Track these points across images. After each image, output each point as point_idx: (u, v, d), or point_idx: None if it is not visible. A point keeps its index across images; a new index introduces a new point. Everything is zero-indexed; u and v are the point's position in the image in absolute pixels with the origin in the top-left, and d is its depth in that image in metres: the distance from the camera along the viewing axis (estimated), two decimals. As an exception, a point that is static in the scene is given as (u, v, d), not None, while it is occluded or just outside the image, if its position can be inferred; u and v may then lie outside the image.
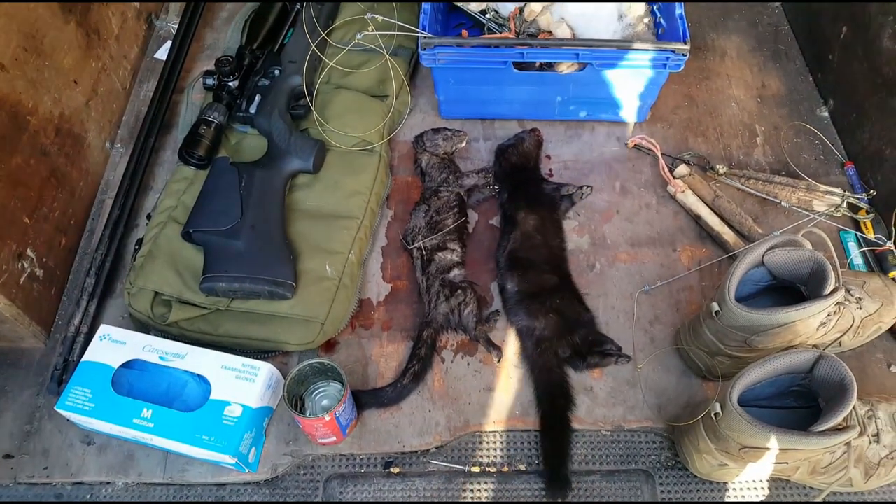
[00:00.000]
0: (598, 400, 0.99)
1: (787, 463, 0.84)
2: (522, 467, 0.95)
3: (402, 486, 0.93)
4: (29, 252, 1.03)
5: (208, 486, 0.94)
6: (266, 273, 0.99)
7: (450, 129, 1.20)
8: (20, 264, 1.00)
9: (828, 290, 0.86)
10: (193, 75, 1.31)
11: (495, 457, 0.96)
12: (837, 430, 0.79)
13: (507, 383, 1.01)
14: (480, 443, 0.97)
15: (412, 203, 1.17)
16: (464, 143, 1.20)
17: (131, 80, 1.35)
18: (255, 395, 0.91)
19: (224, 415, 0.89)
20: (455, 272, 1.07)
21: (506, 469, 0.95)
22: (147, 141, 1.19)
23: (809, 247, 0.89)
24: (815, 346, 0.94)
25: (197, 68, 1.35)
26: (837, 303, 0.91)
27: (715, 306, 0.89)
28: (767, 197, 1.17)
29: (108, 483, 0.94)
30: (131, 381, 0.94)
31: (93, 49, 1.21)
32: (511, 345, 1.05)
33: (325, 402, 0.95)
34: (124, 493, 0.94)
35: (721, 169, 1.18)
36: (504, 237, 1.11)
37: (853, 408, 0.80)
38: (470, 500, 0.92)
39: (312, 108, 1.16)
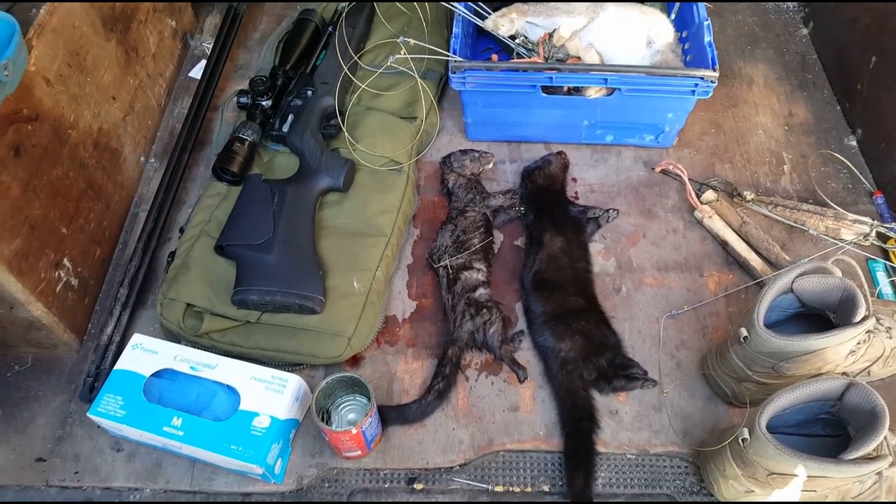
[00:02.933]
0: (624, 423, 0.99)
1: (815, 491, 0.83)
2: (546, 488, 0.94)
3: (426, 502, 0.93)
4: (66, 262, 1.05)
5: (234, 496, 0.94)
6: (296, 287, 1.01)
7: (477, 151, 1.22)
8: (57, 273, 1.03)
9: (858, 318, 0.85)
10: (227, 94, 1.35)
11: (519, 477, 0.95)
12: (868, 458, 0.78)
13: (531, 403, 1.01)
14: (504, 462, 0.97)
15: (438, 222, 1.18)
16: (490, 165, 1.22)
17: (166, 98, 1.38)
18: (283, 406, 0.92)
19: (252, 425, 0.90)
20: (480, 291, 1.08)
21: (529, 489, 0.94)
22: (181, 156, 1.22)
23: (839, 274, 0.89)
24: (844, 373, 0.94)
25: (230, 87, 1.38)
26: (867, 331, 0.90)
27: (743, 332, 0.89)
28: (795, 224, 1.17)
29: (137, 489, 0.96)
30: (162, 390, 0.95)
31: (131, 66, 1.25)
32: (535, 365, 1.05)
33: (351, 416, 0.96)
34: (152, 499, 0.95)
35: (748, 195, 1.18)
36: (529, 258, 1.12)
37: (884, 438, 0.79)
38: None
39: (343, 129, 1.19)
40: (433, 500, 0.94)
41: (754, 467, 0.82)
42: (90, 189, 1.12)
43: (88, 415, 0.93)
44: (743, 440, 0.81)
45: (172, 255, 1.11)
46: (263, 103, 1.21)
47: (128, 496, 0.95)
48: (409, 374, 1.05)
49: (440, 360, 1.03)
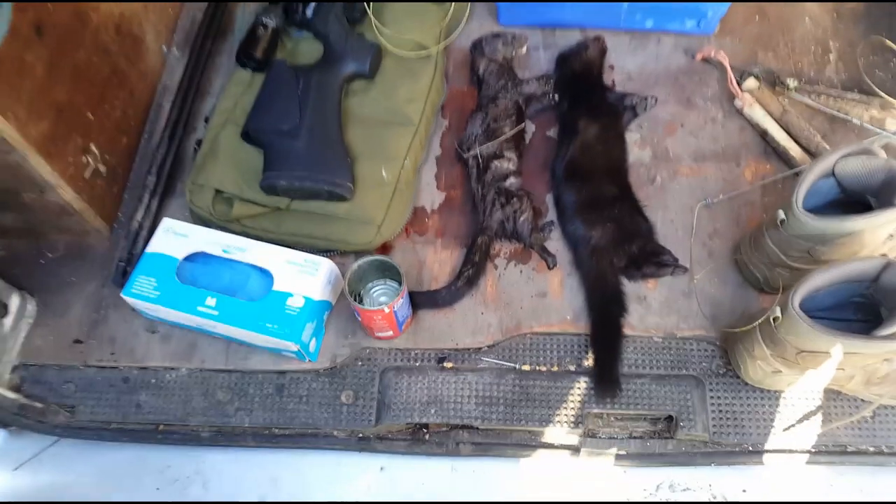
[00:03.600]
0: (652, 309, 0.99)
1: (843, 370, 0.83)
2: (572, 367, 0.96)
3: (455, 378, 0.95)
4: (93, 147, 1.04)
5: (269, 374, 0.97)
6: (326, 173, 1.00)
7: (510, 34, 1.17)
8: (85, 158, 1.03)
9: (901, 200, 0.83)
10: (250, -21, 1.30)
11: (546, 357, 0.97)
12: (901, 336, 0.77)
13: (559, 290, 1.02)
14: (531, 344, 0.98)
15: (467, 113, 1.15)
16: (524, 49, 1.17)
17: (187, -15, 1.34)
18: (317, 287, 0.93)
19: (287, 305, 0.91)
20: (511, 180, 1.06)
21: (556, 368, 0.96)
22: (203, 45, 1.19)
23: (884, 155, 0.86)
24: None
25: (253, -27, 1.33)
26: (909, 215, 0.88)
27: (781, 214, 0.87)
28: (838, 114, 1.12)
29: (173, 369, 0.98)
30: (195, 272, 0.96)
31: (150, -48, 1.21)
32: (564, 254, 1.04)
33: (382, 299, 0.97)
34: (188, 378, 0.98)
35: (791, 84, 1.14)
36: (562, 146, 1.09)
37: (918, 319, 0.78)
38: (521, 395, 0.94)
39: (369, 12, 1.15)
40: (462, 377, 0.96)
41: (784, 346, 0.82)
42: (114, 76, 1.10)
43: (122, 295, 0.95)
44: (774, 319, 0.81)
45: (199, 143, 1.11)
46: (286, -13, 1.17)
47: (164, 375, 0.98)
48: (439, 262, 1.05)
49: (469, 249, 1.03)
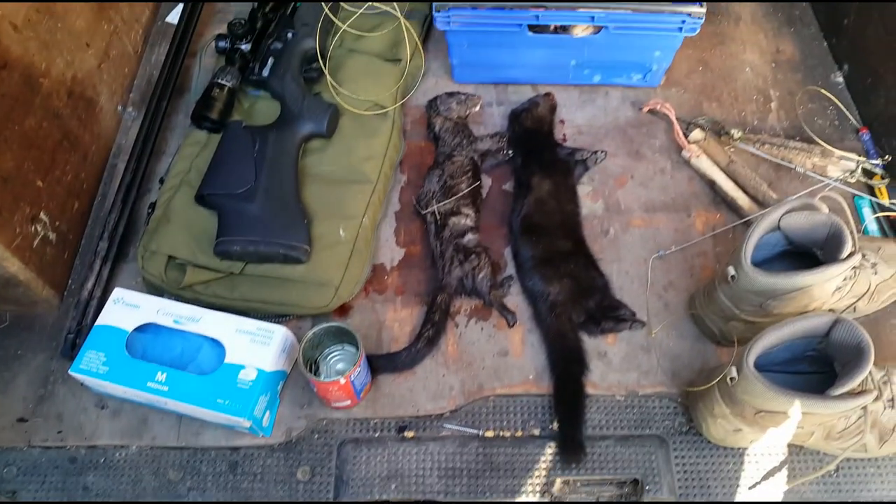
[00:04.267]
0: (613, 365, 1.00)
1: (802, 428, 0.84)
2: (536, 432, 0.95)
3: (416, 449, 0.94)
4: (42, 215, 1.02)
5: (222, 450, 0.94)
6: (280, 237, 0.99)
7: (464, 94, 1.19)
8: (34, 227, 1.00)
9: (844, 254, 0.85)
10: (205, 39, 1.29)
11: (509, 421, 0.96)
12: (854, 393, 0.79)
13: (520, 348, 1.02)
14: (494, 407, 0.97)
15: (425, 168, 1.16)
16: (478, 107, 1.19)
17: (143, 44, 1.33)
18: (269, 358, 0.91)
19: (239, 378, 0.89)
20: (469, 237, 1.06)
21: (520, 433, 0.95)
22: (159, 105, 1.18)
23: (826, 210, 0.89)
24: (830, 310, 0.94)
25: (209, 32, 1.32)
26: (853, 267, 0.90)
27: (731, 270, 0.88)
28: (782, 162, 1.16)
29: (123, 447, 0.95)
30: (145, 344, 0.94)
31: (105, 11, 1.20)
32: (524, 310, 1.04)
33: (339, 366, 0.96)
34: (138, 456, 0.94)
35: (736, 134, 1.17)
36: (518, 202, 1.10)
37: (869, 372, 0.80)
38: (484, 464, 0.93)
39: (325, 72, 1.15)
40: (424, 447, 0.94)
41: (742, 405, 0.83)
42: (66, 140, 1.09)
43: (70, 372, 0.91)
44: (731, 379, 0.82)
45: (153, 206, 1.09)
46: (242, 47, 1.17)
47: (113, 454, 0.94)
48: (399, 322, 1.04)
49: (429, 307, 1.02)
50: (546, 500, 0.91)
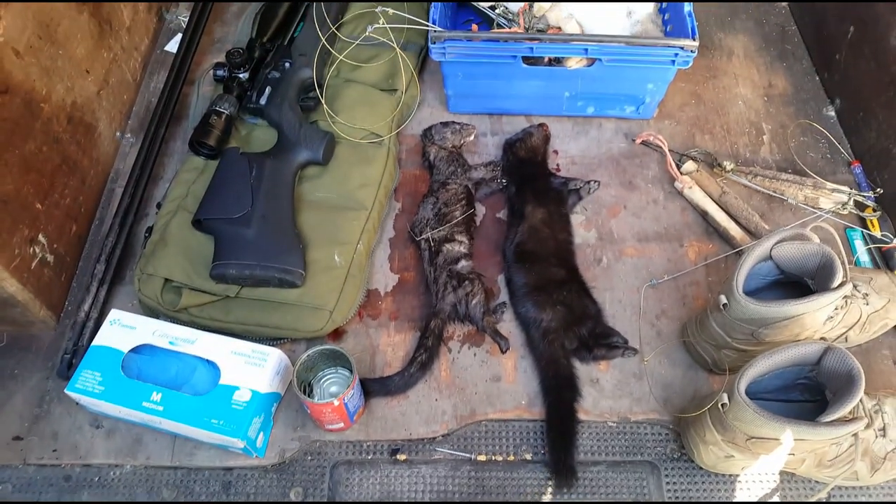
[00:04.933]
0: (605, 392, 1.00)
1: (793, 454, 0.84)
2: (528, 457, 0.95)
3: (409, 472, 0.94)
4: (41, 238, 1.03)
5: (216, 470, 0.94)
6: (276, 261, 1.00)
7: (458, 123, 1.21)
8: (32, 249, 1.01)
9: (836, 284, 0.86)
10: (203, 68, 1.32)
11: (501, 446, 0.96)
12: (845, 421, 0.79)
13: (513, 373, 1.02)
14: (487, 432, 0.97)
15: (419, 196, 1.17)
16: (472, 137, 1.21)
17: (142, 72, 1.36)
18: (264, 380, 0.92)
19: (233, 399, 0.90)
20: (462, 263, 1.07)
21: (512, 458, 0.95)
22: (157, 131, 1.20)
23: (817, 240, 0.90)
24: (822, 339, 0.95)
25: (207, 61, 1.35)
26: (845, 297, 0.91)
27: (723, 299, 0.89)
28: (774, 194, 1.18)
29: (117, 466, 0.95)
30: (140, 365, 0.94)
31: (105, 39, 1.22)
32: (517, 336, 1.05)
33: (333, 389, 0.96)
34: (132, 476, 0.94)
35: (728, 165, 1.19)
36: (511, 230, 1.12)
37: (860, 400, 0.80)
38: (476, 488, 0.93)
39: (322, 101, 1.17)
40: (416, 470, 0.94)
41: (734, 432, 0.83)
42: (65, 164, 1.10)
43: (66, 392, 0.92)
44: (722, 405, 0.82)
45: (150, 230, 1.10)
46: (240, 76, 1.19)
47: (107, 473, 0.95)
48: (392, 346, 1.05)
49: (423, 333, 1.03)
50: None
